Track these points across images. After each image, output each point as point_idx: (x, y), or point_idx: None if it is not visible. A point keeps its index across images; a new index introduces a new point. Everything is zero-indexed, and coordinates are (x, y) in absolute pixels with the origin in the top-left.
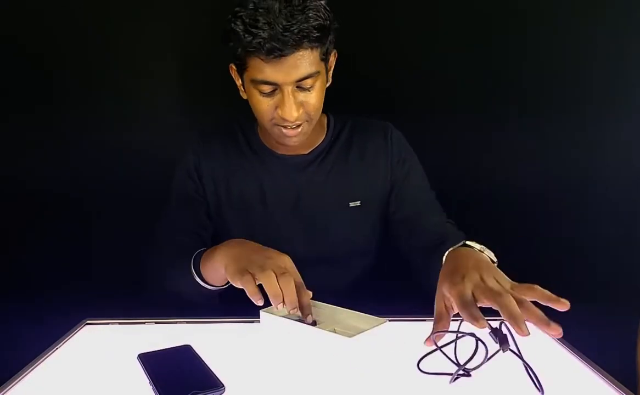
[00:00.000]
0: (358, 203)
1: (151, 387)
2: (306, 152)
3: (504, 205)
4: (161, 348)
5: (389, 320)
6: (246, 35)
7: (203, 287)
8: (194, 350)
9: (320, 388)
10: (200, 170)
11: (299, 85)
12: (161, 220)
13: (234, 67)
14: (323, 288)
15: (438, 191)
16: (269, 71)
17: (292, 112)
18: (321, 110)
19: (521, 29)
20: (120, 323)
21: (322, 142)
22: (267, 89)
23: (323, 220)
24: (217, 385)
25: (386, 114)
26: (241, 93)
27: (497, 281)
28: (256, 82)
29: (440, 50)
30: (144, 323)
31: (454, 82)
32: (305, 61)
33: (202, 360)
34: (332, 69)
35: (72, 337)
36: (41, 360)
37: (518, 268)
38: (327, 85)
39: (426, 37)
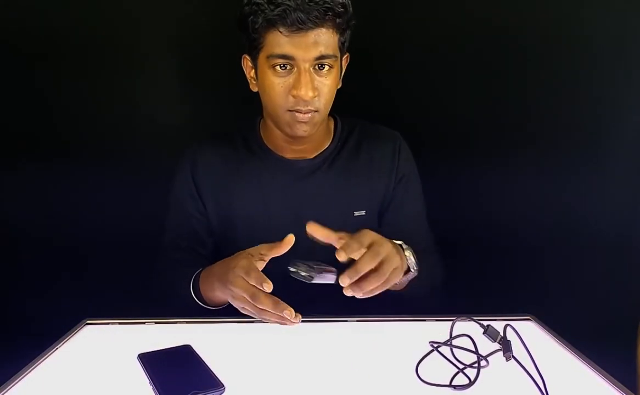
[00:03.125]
0: (363, 212)
1: (151, 387)
2: (312, 156)
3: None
4: (161, 348)
5: (387, 320)
6: (270, 5)
7: (206, 308)
8: (194, 350)
9: (320, 388)
10: (199, 184)
11: (316, 66)
12: (162, 234)
13: (247, 57)
14: (322, 294)
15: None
16: (288, 45)
17: (308, 90)
18: (330, 106)
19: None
20: (120, 323)
21: (328, 146)
22: (283, 63)
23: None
24: (217, 385)
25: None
26: (251, 86)
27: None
28: (273, 57)
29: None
30: (144, 323)
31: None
32: (325, 40)
33: (202, 360)
34: (343, 72)
35: (72, 337)
36: (41, 360)
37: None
38: (338, 87)
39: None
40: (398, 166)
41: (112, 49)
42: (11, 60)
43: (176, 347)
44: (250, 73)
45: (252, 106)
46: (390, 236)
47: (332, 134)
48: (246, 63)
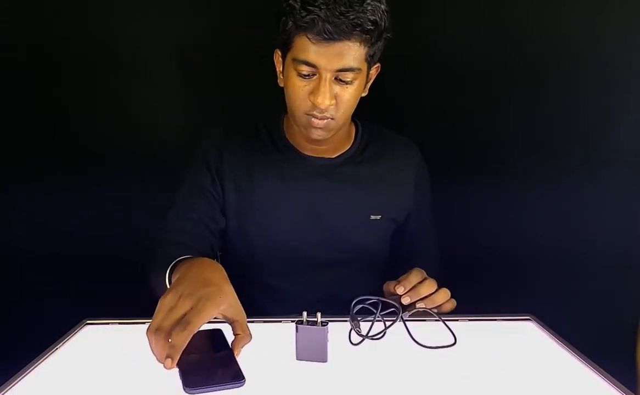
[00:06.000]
0: (378, 217)
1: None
2: (333, 156)
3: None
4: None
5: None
6: (302, 11)
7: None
8: (224, 336)
9: (320, 388)
10: (222, 168)
11: (338, 77)
12: (170, 207)
13: (278, 52)
14: (334, 294)
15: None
16: (313, 53)
17: (325, 99)
18: (350, 114)
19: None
20: (120, 323)
21: (350, 147)
22: (306, 70)
23: (341, 228)
24: (239, 377)
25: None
26: (279, 80)
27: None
28: (297, 62)
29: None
30: (144, 323)
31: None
32: (351, 53)
33: (230, 348)
34: (372, 81)
35: (72, 337)
36: (41, 360)
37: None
38: (363, 95)
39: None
40: (418, 176)
41: (113, 58)
42: (12, 66)
43: (207, 329)
44: (279, 68)
45: (251, 110)
46: (411, 241)
47: (354, 136)
48: (277, 58)
